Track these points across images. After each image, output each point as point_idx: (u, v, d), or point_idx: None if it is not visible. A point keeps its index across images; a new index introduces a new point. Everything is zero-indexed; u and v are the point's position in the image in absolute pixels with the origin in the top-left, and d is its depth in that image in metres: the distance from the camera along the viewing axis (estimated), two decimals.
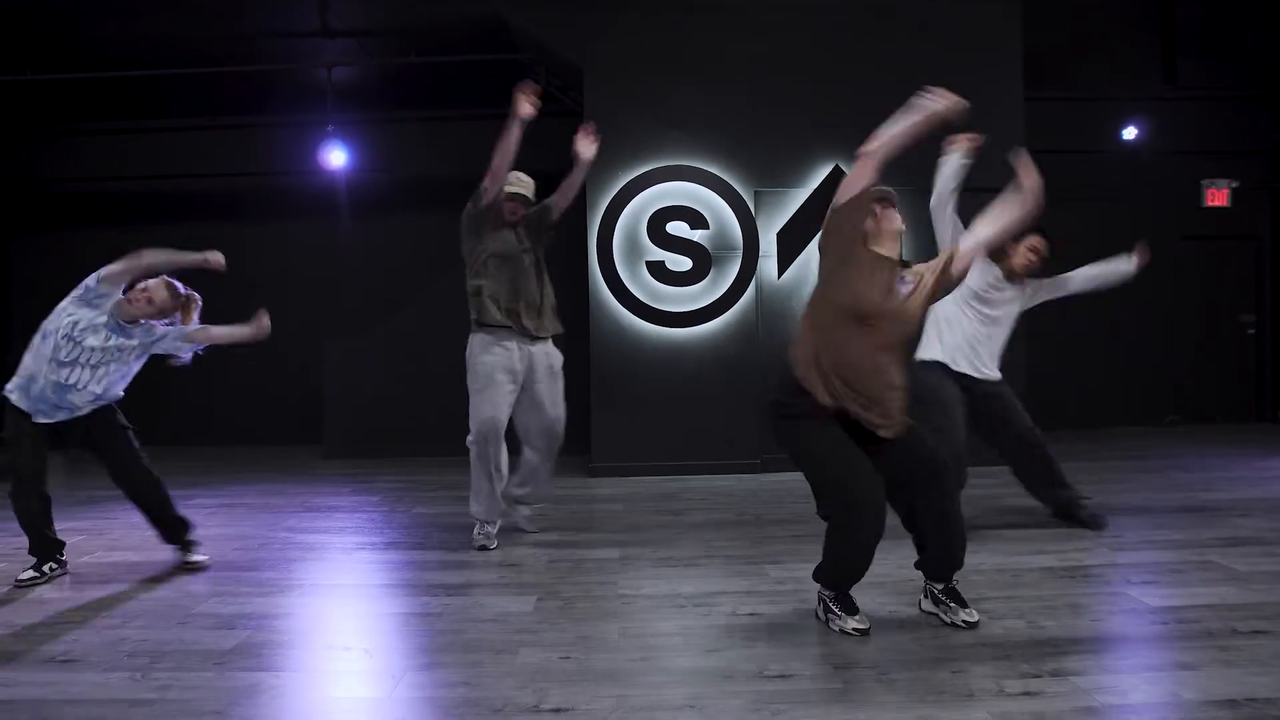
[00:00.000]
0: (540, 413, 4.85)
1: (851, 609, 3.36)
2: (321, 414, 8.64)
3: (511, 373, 4.70)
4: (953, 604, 3.42)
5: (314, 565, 4.57)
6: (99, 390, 4.26)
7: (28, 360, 4.23)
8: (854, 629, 3.30)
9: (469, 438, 4.71)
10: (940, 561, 3.45)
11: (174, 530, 4.59)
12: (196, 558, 4.54)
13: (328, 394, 8.58)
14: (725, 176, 7.12)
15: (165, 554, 4.75)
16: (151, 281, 4.32)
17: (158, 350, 4.42)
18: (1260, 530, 4.77)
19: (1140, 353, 9.55)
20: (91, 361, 4.20)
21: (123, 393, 4.45)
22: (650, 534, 5.06)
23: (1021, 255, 4.87)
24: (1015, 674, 2.87)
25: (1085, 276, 5.03)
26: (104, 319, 4.22)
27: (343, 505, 6.14)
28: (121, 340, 4.25)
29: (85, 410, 4.29)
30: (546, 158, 9.28)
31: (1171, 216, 9.62)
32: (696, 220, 7.10)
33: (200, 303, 4.53)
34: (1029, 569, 4.13)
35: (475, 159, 9.40)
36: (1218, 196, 9.60)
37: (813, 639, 3.25)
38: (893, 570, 4.11)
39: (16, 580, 4.22)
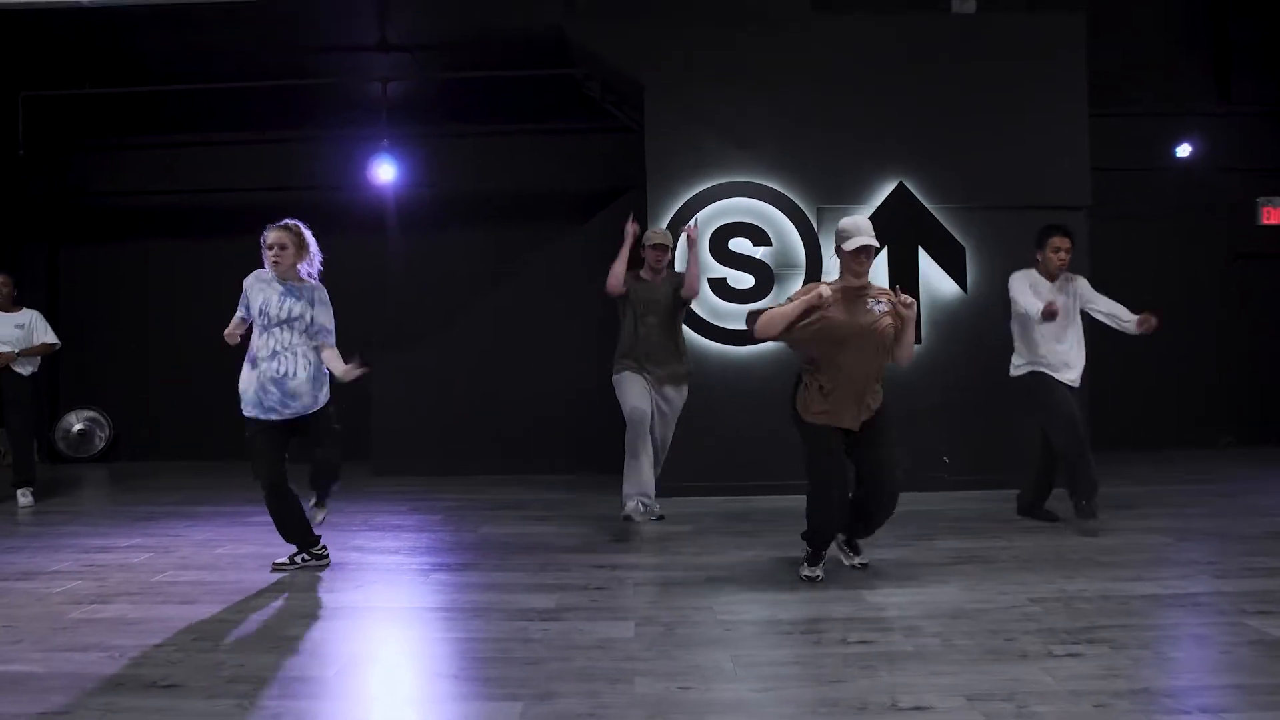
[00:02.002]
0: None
1: (815, 561, 4.40)
2: (369, 430, 8.57)
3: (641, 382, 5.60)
4: (849, 551, 4.64)
5: (393, 587, 4.49)
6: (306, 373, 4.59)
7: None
8: (806, 575, 4.35)
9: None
10: (860, 529, 4.55)
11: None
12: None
13: (377, 410, 8.52)
14: (788, 193, 7.05)
15: (238, 573, 4.69)
16: (271, 238, 4.57)
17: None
18: None
19: (1194, 373, 9.40)
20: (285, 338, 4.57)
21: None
22: (729, 556, 4.95)
23: (1052, 258, 5.50)
24: (1162, 710, 2.74)
25: (1103, 309, 5.58)
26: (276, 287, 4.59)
27: (406, 524, 6.05)
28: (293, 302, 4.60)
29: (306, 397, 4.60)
30: (596, 175, 9.30)
31: (1227, 234, 9.51)
32: (759, 237, 7.02)
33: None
34: (1135, 596, 4.00)
35: (526, 174, 9.49)
36: (1274, 214, 9.48)
37: (935, 668, 3.13)
38: (996, 596, 4.00)
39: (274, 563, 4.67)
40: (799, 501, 6.52)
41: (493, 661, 3.30)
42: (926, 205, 7.04)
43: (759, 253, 7.01)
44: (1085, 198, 7.04)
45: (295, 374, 4.53)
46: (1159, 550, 4.89)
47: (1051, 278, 5.56)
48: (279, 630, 3.71)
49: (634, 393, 5.50)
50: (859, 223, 4.21)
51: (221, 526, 5.95)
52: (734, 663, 3.23)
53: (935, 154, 7.06)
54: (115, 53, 8.11)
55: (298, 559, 4.71)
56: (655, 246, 5.71)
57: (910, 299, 4.24)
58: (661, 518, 5.88)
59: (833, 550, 4.63)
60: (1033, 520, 5.79)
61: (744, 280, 7.00)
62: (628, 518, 5.44)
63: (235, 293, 4.70)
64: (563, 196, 9.31)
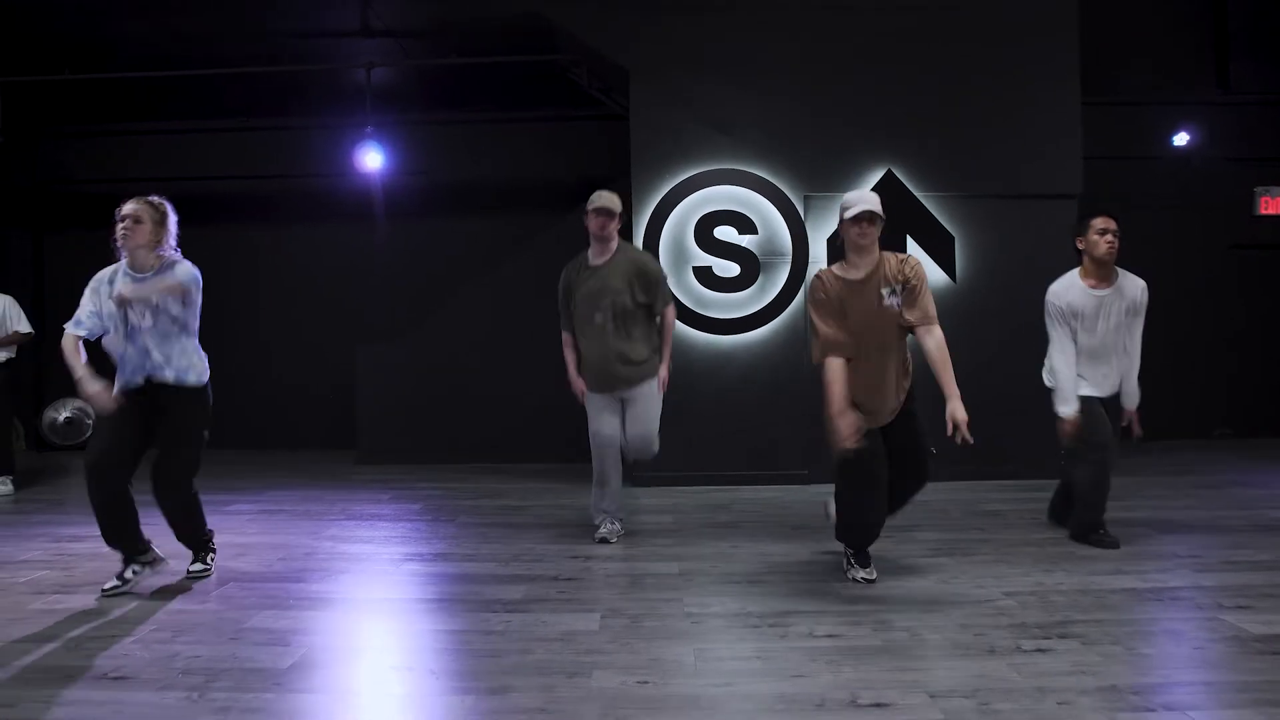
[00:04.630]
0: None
1: (865, 562, 4.16)
2: (355, 418, 8.52)
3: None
4: (856, 563, 4.18)
5: (363, 577, 4.43)
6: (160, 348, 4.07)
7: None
8: (862, 578, 4.10)
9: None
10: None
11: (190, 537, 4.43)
12: (196, 566, 4.38)
13: (361, 398, 8.46)
14: (774, 180, 6.96)
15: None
16: (126, 209, 4.03)
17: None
18: None
19: (1189, 364, 9.30)
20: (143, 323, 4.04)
21: (201, 373, 4.22)
22: (706, 547, 4.89)
23: (1098, 242, 4.67)
24: (1127, 707, 2.68)
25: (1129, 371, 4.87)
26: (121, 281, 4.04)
27: (384, 514, 6.00)
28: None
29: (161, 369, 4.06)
30: (583, 162, 9.20)
31: (1223, 224, 9.40)
32: (745, 225, 6.94)
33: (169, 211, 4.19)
34: (1111, 590, 3.94)
35: (513, 161, 9.41)
36: (1272, 204, 9.37)
37: (901, 663, 3.07)
38: (971, 590, 3.94)
39: (103, 590, 4.06)
40: (783, 492, 6.55)
41: (451, 653, 3.25)
42: (915, 193, 6.94)
43: (745, 241, 6.92)
44: (1077, 186, 6.95)
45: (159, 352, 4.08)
46: (1141, 543, 4.82)
47: (1101, 278, 4.72)
48: (240, 621, 3.65)
49: (595, 413, 4.93)
50: (862, 193, 4.01)
51: None
52: (696, 657, 3.17)
53: (924, 141, 6.96)
54: (95, 39, 8.00)
55: (128, 573, 4.11)
56: (598, 210, 4.76)
57: (914, 270, 4.00)
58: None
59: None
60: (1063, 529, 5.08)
61: (729, 269, 6.92)
62: (604, 539, 4.99)
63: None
64: (549, 184, 9.22)
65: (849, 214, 3.94)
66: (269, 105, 9.19)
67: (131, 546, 4.15)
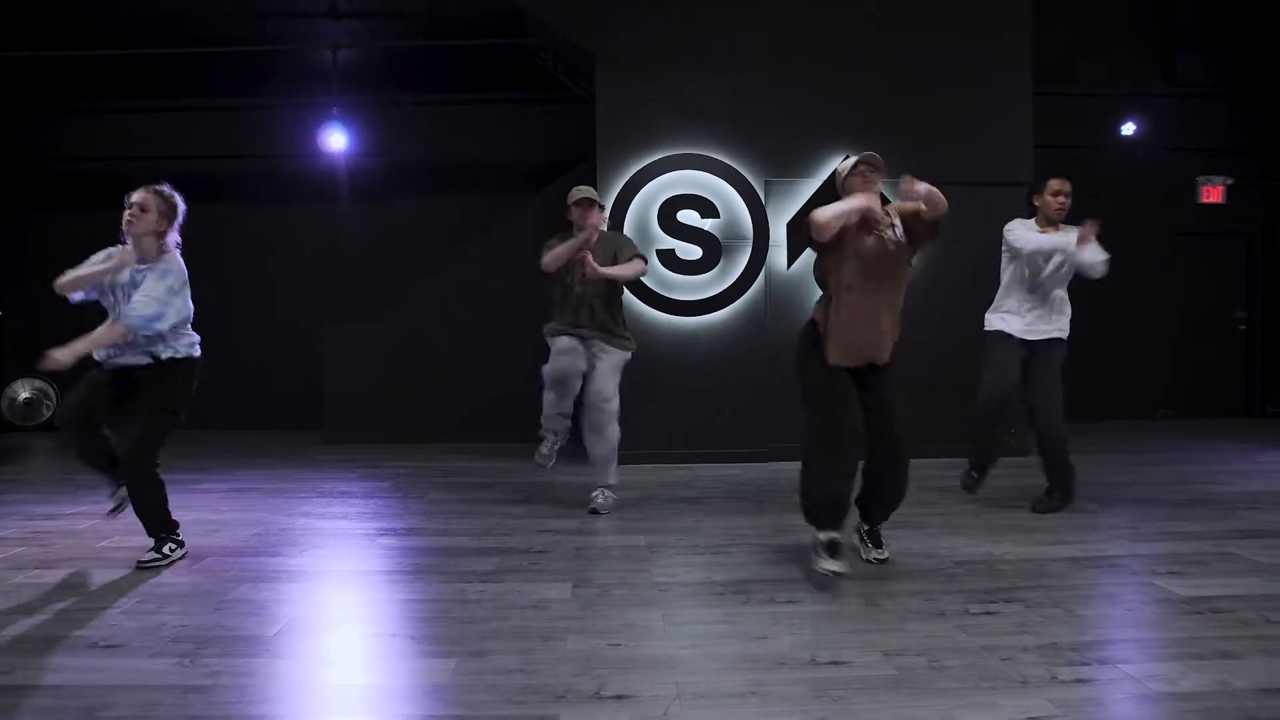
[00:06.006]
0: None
1: (836, 553, 3.77)
2: (320, 399, 8.57)
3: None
4: (869, 544, 4.16)
5: (339, 551, 4.55)
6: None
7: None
8: (832, 570, 3.72)
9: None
10: (876, 509, 4.13)
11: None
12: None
13: (328, 379, 8.51)
14: (736, 166, 7.13)
15: (183, 538, 4.70)
16: (135, 197, 4.11)
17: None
18: (1273, 523, 4.87)
19: (1133, 347, 9.68)
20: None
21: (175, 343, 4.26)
22: (671, 522, 5.08)
23: (1051, 202, 5.10)
24: (1064, 661, 2.91)
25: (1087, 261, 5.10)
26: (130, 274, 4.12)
27: (354, 491, 6.10)
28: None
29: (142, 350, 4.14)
30: (548, 146, 9.30)
31: (1166, 213, 9.75)
32: (707, 209, 7.10)
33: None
34: (1054, 559, 4.19)
35: (478, 144, 9.48)
36: (1213, 193, 9.70)
37: (857, 626, 3.28)
38: (924, 559, 4.16)
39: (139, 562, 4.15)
40: (743, 469, 6.75)
41: (430, 621, 3.39)
42: None
43: (707, 225, 7.09)
44: (1027, 174, 7.19)
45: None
46: (1083, 516, 5.08)
47: (1053, 227, 5.13)
48: (222, 593, 3.76)
49: (557, 352, 5.08)
50: (852, 156, 3.99)
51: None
52: (665, 621, 3.35)
53: (882, 129, 7.16)
54: (60, 16, 7.93)
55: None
56: (578, 203, 5.10)
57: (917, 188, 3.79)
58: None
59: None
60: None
61: (692, 252, 7.09)
62: (595, 511, 5.20)
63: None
64: (515, 167, 9.32)
65: (844, 169, 3.99)
66: (234, 85, 9.16)
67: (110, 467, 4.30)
